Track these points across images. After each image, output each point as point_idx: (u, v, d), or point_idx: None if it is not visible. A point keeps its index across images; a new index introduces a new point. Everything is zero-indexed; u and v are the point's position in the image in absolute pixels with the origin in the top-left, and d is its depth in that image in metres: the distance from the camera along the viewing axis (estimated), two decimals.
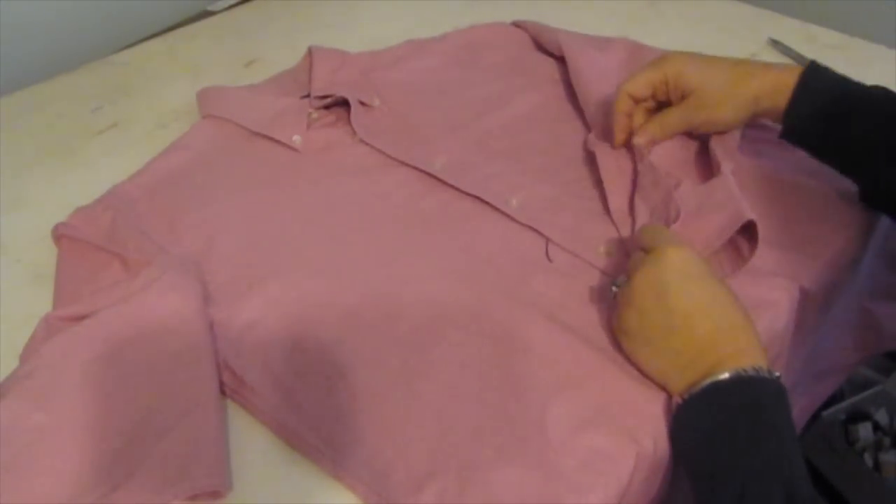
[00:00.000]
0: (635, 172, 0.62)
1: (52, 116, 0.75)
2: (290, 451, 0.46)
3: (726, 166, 0.57)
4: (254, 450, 0.46)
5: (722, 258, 0.54)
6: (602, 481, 0.43)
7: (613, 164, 0.63)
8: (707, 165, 0.62)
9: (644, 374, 0.48)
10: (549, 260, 0.57)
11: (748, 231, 0.53)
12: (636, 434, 0.45)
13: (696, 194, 0.56)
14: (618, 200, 0.60)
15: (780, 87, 0.57)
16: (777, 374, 0.45)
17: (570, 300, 0.53)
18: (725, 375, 0.44)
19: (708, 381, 0.44)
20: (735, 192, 0.54)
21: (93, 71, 0.82)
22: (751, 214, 0.52)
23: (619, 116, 0.62)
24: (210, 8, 0.97)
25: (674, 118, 0.61)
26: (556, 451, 0.44)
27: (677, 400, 0.46)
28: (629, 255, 0.55)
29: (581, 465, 0.44)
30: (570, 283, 0.55)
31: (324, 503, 0.44)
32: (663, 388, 0.48)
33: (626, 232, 0.58)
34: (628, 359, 0.49)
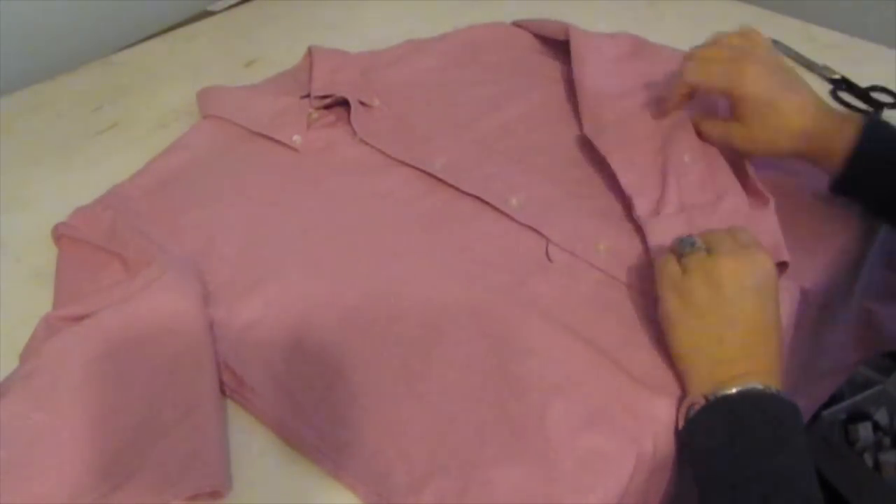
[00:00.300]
0: (656, 156, 0.63)
1: (52, 116, 0.75)
2: (290, 451, 0.46)
3: (772, 202, 0.58)
4: (254, 450, 0.46)
5: None
6: (602, 481, 0.43)
7: (618, 151, 0.63)
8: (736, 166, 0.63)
9: (672, 346, 0.48)
10: (549, 260, 0.57)
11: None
12: (636, 434, 0.45)
13: (741, 218, 0.57)
14: (630, 176, 0.61)
15: (835, 138, 0.56)
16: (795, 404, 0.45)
17: (571, 300, 0.54)
18: (757, 386, 0.44)
19: (737, 386, 0.44)
20: (777, 231, 0.56)
21: (93, 71, 0.82)
22: (786, 256, 0.53)
23: (675, 98, 0.62)
24: (210, 8, 0.97)
25: (721, 133, 0.60)
26: (556, 451, 0.44)
27: (698, 400, 0.45)
28: (645, 233, 0.56)
29: (581, 465, 0.44)
30: (570, 283, 0.55)
31: (324, 503, 0.44)
32: (680, 376, 0.48)
33: (642, 208, 0.58)
34: (664, 323, 0.49)
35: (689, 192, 0.59)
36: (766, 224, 0.56)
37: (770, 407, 0.44)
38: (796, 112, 0.56)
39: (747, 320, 0.46)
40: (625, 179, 0.60)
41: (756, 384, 0.44)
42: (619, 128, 0.65)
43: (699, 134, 0.62)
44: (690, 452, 0.46)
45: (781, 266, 0.54)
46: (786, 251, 0.54)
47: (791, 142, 0.57)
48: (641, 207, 0.58)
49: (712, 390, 0.45)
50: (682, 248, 0.49)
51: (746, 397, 0.44)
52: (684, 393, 0.47)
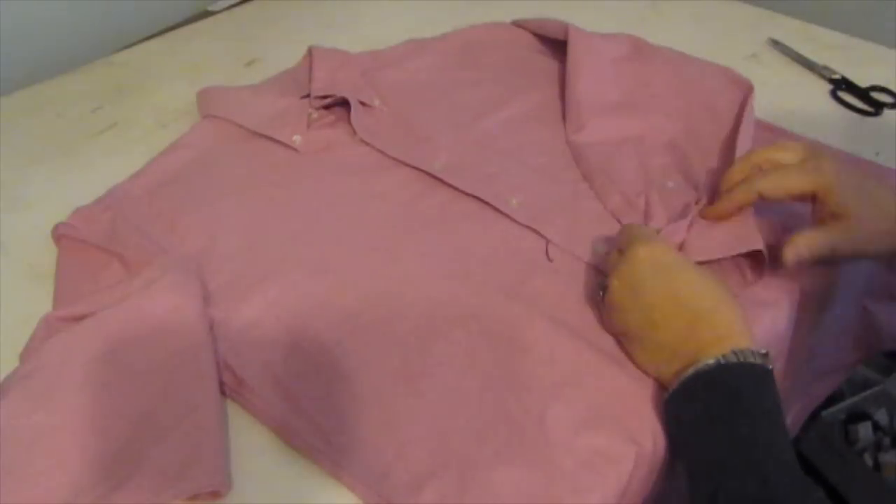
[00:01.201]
0: (637, 176, 0.63)
1: (52, 116, 0.75)
2: (290, 451, 0.46)
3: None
4: (254, 450, 0.46)
5: (729, 277, 0.55)
6: (602, 481, 0.43)
7: (600, 175, 0.64)
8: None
9: (644, 372, 0.49)
10: (550, 260, 0.57)
11: (755, 258, 0.54)
12: (636, 434, 0.46)
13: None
14: (615, 199, 0.61)
15: None
16: (763, 350, 0.44)
17: (570, 300, 0.54)
18: (705, 363, 0.44)
19: (687, 373, 0.44)
20: (751, 223, 0.55)
21: (93, 71, 0.82)
22: (760, 245, 0.53)
23: (737, 203, 0.55)
24: (210, 8, 0.97)
25: (823, 243, 0.51)
26: (556, 451, 0.44)
27: (664, 396, 0.46)
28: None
29: (581, 465, 0.44)
30: (570, 283, 0.55)
31: (324, 503, 0.44)
32: (659, 383, 0.48)
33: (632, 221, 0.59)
34: (629, 357, 0.49)
35: (674, 211, 0.60)
36: (742, 221, 0.56)
37: (723, 379, 0.43)
38: (891, 218, 0.50)
39: (662, 313, 0.46)
40: (610, 204, 0.61)
41: (702, 362, 0.44)
42: (600, 149, 0.66)
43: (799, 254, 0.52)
44: (670, 447, 0.46)
45: (758, 256, 0.53)
46: (759, 241, 0.53)
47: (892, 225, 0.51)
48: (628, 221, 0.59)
49: (671, 383, 0.45)
50: (599, 297, 0.51)
51: (695, 380, 0.44)
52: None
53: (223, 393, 0.48)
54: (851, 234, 0.50)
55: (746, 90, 0.72)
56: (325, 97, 0.70)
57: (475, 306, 0.53)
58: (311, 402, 0.47)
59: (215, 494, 0.43)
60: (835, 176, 0.51)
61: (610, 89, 0.71)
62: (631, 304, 0.47)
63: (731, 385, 0.43)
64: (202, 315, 0.50)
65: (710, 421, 0.43)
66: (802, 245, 0.51)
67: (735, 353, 0.43)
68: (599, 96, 0.71)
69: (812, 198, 0.52)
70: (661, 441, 0.46)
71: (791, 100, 0.76)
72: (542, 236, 0.58)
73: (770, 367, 0.44)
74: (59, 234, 0.58)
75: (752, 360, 0.43)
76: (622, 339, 0.49)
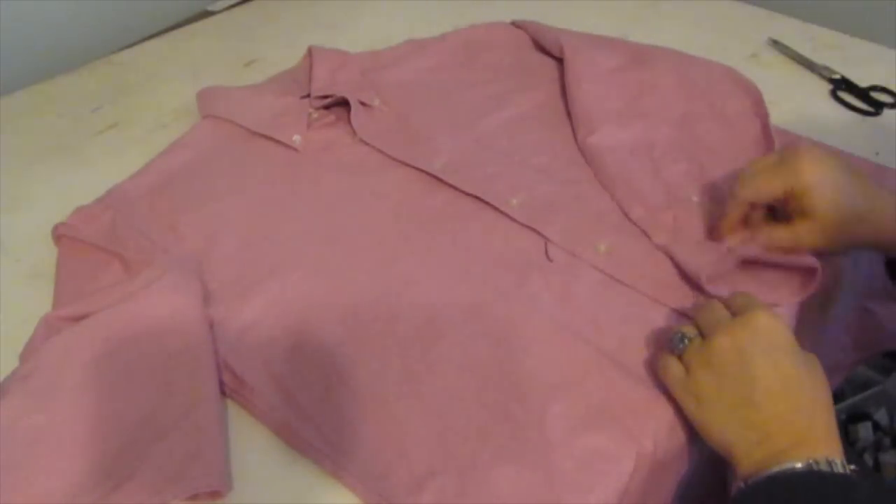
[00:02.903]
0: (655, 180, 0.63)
1: (52, 116, 0.75)
2: (290, 451, 0.46)
3: None
4: (254, 450, 0.46)
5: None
6: (602, 481, 0.43)
7: (617, 172, 0.64)
8: None
9: (710, 443, 0.45)
10: (549, 260, 0.57)
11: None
12: (636, 434, 0.45)
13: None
14: (639, 210, 0.60)
15: None
16: (853, 466, 0.42)
17: (570, 300, 0.54)
18: (794, 466, 0.41)
19: (774, 469, 0.41)
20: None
21: (93, 71, 0.82)
22: (813, 262, 0.52)
23: (732, 219, 0.56)
24: (210, 8, 0.97)
25: (783, 238, 0.53)
26: (556, 451, 0.44)
27: (739, 484, 0.43)
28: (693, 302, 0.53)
29: (581, 465, 0.44)
30: (570, 283, 0.55)
31: (324, 503, 0.44)
32: (727, 458, 0.45)
33: (660, 238, 0.57)
34: (694, 422, 0.46)
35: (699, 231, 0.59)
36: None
37: (811, 489, 0.40)
38: (857, 218, 0.51)
39: (766, 393, 0.43)
40: (633, 215, 0.60)
41: (792, 462, 0.41)
42: (615, 156, 0.65)
43: (766, 244, 0.55)
44: None
45: (811, 274, 0.53)
46: (814, 259, 0.52)
47: (863, 241, 0.53)
48: (659, 238, 0.58)
49: (753, 474, 0.42)
50: (676, 347, 0.47)
51: (780, 483, 0.41)
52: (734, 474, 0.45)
53: (223, 393, 0.48)
54: (818, 234, 0.52)
55: (755, 95, 0.72)
56: (324, 97, 0.71)
57: (475, 306, 0.53)
58: (311, 402, 0.47)
59: (215, 494, 0.43)
60: (812, 176, 0.51)
61: (612, 99, 0.71)
62: (734, 372, 0.43)
63: (818, 494, 0.40)
64: (202, 315, 0.50)
65: None
66: (762, 239, 0.54)
67: (828, 461, 0.41)
68: (604, 104, 0.70)
69: (790, 195, 0.52)
70: (661, 441, 0.46)
71: (791, 100, 0.76)
72: (542, 236, 0.58)
73: (857, 481, 0.41)
74: (59, 234, 0.58)
75: (841, 471, 0.41)
76: (698, 403, 0.45)
